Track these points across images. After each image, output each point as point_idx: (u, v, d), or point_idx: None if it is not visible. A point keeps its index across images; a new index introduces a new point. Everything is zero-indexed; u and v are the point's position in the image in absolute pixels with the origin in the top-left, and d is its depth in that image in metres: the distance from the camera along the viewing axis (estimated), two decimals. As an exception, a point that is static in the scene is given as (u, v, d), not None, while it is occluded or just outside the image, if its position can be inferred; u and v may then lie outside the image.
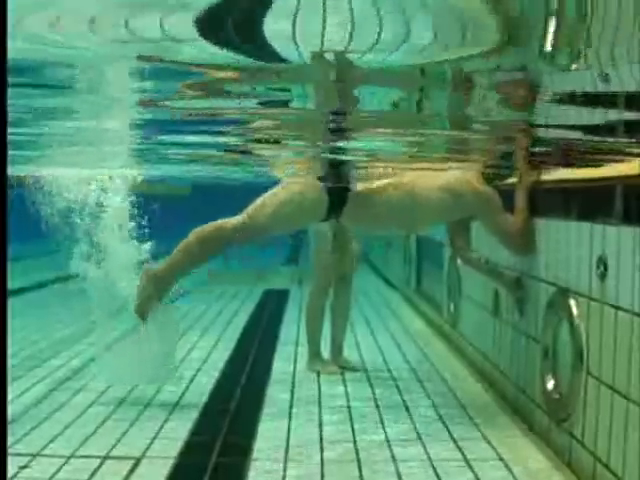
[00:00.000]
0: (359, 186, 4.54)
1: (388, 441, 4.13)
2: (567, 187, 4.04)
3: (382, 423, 4.45)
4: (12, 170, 5.35)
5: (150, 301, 4.41)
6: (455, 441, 4.13)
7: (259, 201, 4.50)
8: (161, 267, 4.41)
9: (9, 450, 3.33)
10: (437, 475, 3.64)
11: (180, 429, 4.27)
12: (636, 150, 3.31)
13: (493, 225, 4.55)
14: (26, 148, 5.02)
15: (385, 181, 4.58)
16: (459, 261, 6.03)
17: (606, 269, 3.40)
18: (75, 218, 4.87)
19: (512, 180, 4.69)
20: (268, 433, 4.24)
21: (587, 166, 3.78)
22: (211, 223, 4.43)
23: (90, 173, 5.44)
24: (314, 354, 5.81)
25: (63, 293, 7.49)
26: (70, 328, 7.17)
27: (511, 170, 4.74)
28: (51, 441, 4.03)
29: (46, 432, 4.18)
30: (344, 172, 4.86)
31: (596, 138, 3.27)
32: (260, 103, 2.78)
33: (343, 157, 4.25)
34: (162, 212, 5.39)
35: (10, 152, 3.31)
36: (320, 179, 4.56)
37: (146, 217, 5.01)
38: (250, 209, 4.47)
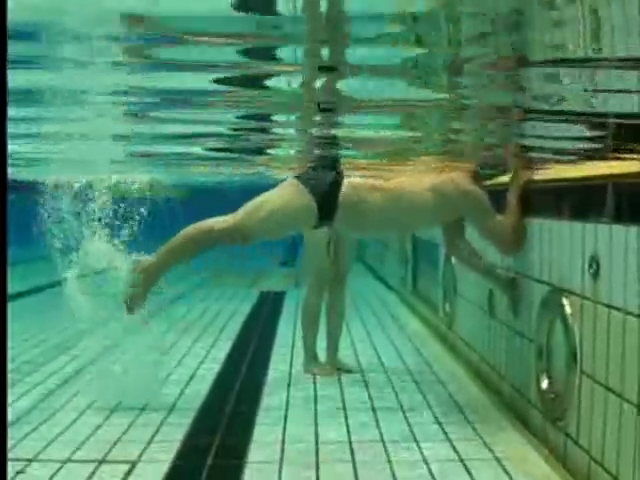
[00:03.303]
0: (348, 192, 4.48)
1: (384, 442, 4.13)
2: (559, 186, 4.05)
3: (378, 424, 4.46)
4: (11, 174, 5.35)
5: (141, 294, 4.45)
6: (451, 441, 4.14)
7: (250, 205, 4.49)
8: (151, 261, 4.46)
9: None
10: (432, 475, 3.65)
11: (176, 432, 4.27)
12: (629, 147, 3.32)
13: (482, 226, 4.55)
14: (25, 153, 5.03)
15: (373, 184, 4.55)
16: (454, 261, 6.04)
17: (599, 268, 3.41)
18: (73, 223, 4.87)
19: (504, 179, 4.70)
20: (264, 435, 4.24)
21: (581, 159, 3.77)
22: (200, 223, 4.45)
23: (86, 178, 5.43)
24: (310, 356, 5.82)
25: (60, 297, 7.48)
26: (66, 333, 7.16)
27: (503, 168, 4.73)
28: (47, 445, 4.04)
29: (42, 436, 4.18)
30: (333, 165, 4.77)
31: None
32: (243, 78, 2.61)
33: (334, 131, 4.12)
34: (160, 216, 5.36)
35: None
36: (309, 184, 4.49)
37: (142, 222, 4.99)
38: (240, 212, 4.46)
